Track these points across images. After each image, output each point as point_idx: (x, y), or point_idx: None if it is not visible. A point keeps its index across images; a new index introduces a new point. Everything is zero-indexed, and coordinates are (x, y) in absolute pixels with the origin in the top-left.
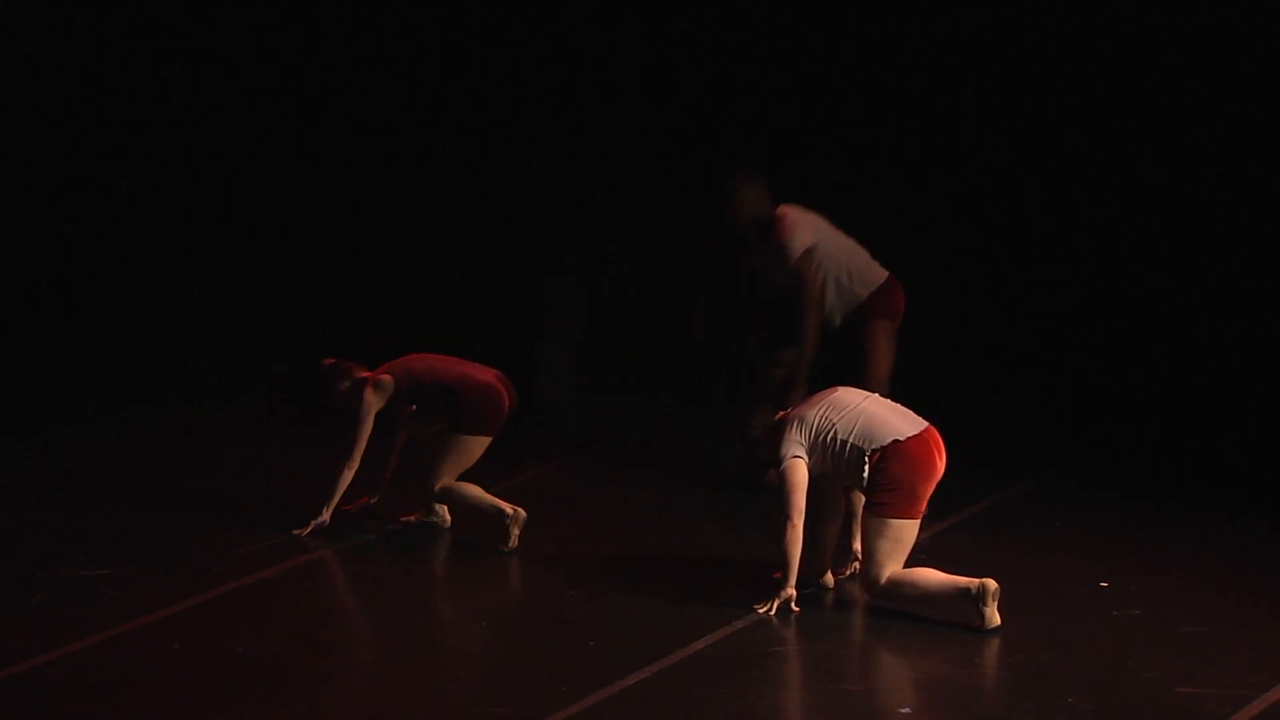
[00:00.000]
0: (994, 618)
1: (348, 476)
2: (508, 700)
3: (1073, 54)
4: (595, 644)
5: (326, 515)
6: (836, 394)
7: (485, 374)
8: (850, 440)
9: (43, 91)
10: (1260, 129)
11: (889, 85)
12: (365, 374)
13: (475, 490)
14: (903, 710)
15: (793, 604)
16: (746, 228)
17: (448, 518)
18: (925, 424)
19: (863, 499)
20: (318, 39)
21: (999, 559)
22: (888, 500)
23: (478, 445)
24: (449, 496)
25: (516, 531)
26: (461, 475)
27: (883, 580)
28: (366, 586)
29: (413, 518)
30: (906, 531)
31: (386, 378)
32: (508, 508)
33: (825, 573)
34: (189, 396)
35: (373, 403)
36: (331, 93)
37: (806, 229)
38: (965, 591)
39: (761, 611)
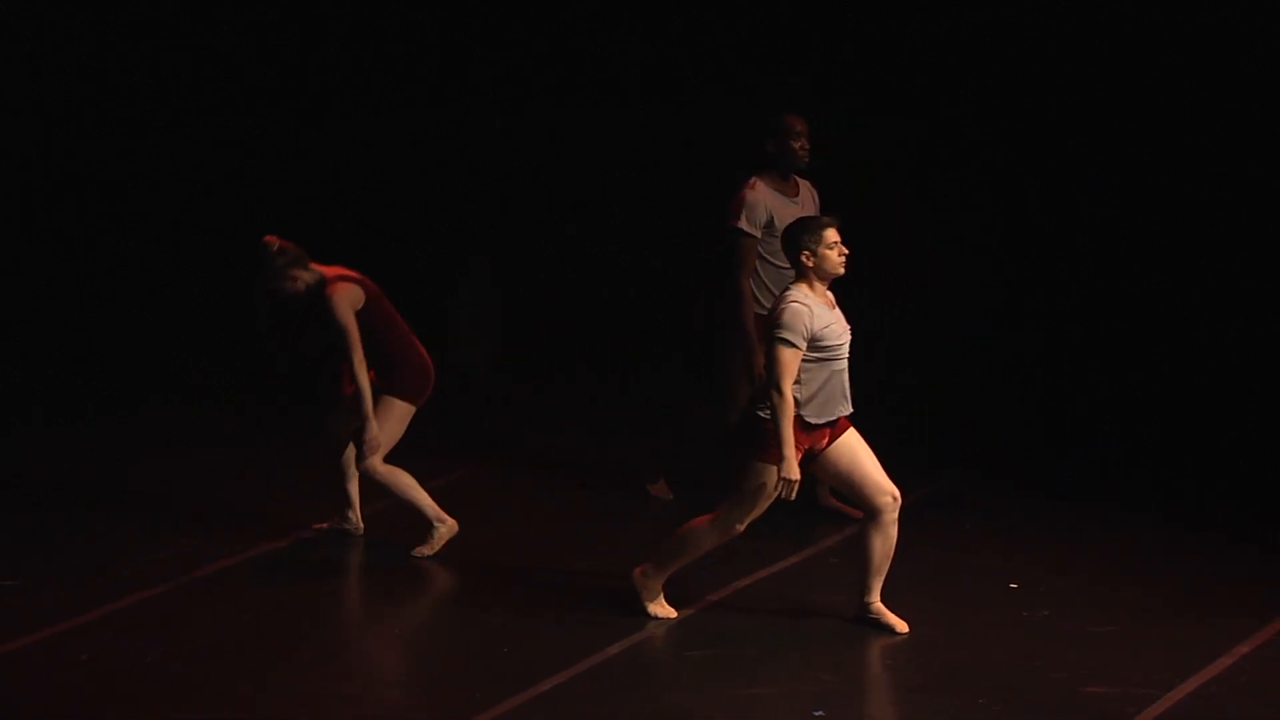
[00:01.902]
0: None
1: (364, 374)
2: (421, 707)
3: (1071, 54)
4: (509, 649)
5: (373, 423)
6: None
7: (417, 343)
8: None
9: (42, 92)
10: (1255, 132)
11: (888, 85)
12: (321, 270)
13: (416, 487)
14: (816, 713)
15: (794, 489)
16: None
17: (360, 524)
18: None
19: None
20: (318, 40)
21: (910, 558)
22: None
23: (407, 413)
24: (392, 481)
25: (441, 544)
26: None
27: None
28: (278, 594)
29: (325, 525)
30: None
31: (357, 289)
32: (446, 518)
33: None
34: (136, 402)
35: (347, 309)
36: (331, 93)
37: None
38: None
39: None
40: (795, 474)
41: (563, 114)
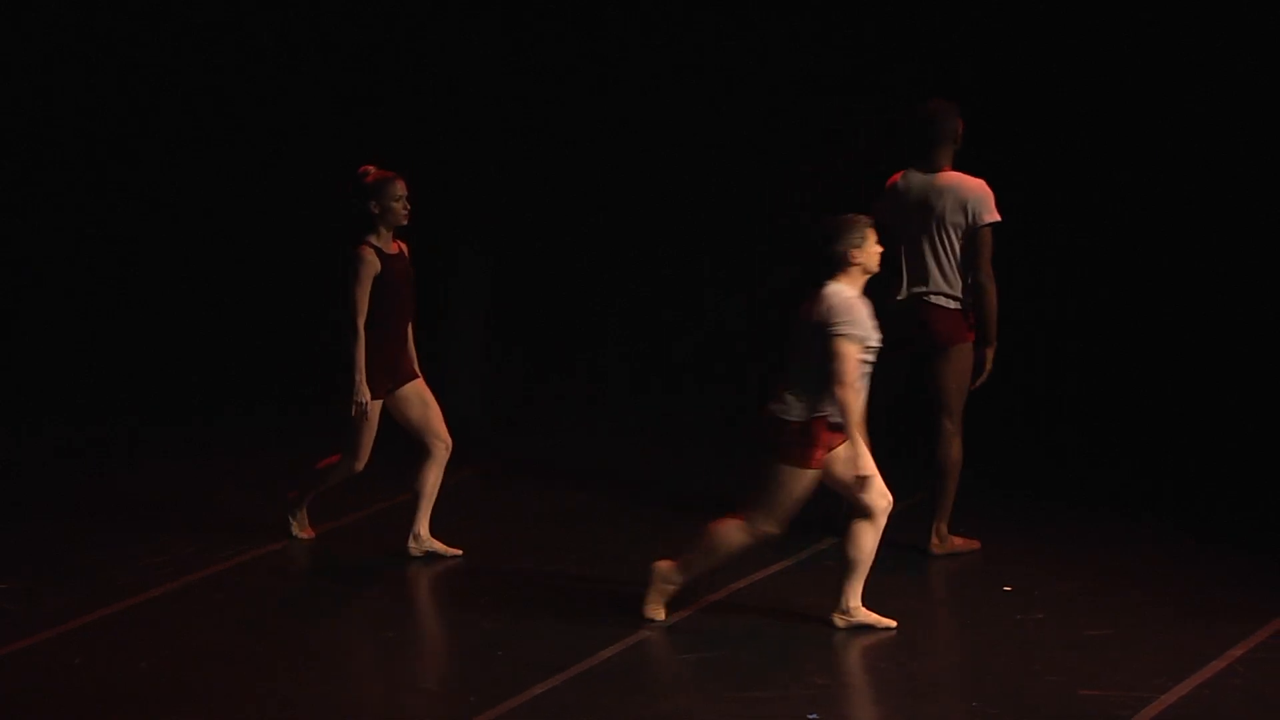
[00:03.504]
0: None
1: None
2: (416, 711)
3: (1066, 53)
4: (503, 653)
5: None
6: None
7: None
8: None
9: (46, 95)
10: (1256, 133)
11: (883, 84)
12: None
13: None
14: (810, 717)
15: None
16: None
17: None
18: None
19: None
20: (325, 46)
21: (904, 561)
22: None
23: None
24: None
25: (424, 550)
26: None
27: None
28: (273, 598)
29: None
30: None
31: None
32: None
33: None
34: (132, 410)
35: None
36: (336, 97)
37: None
38: None
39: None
40: (872, 469)
41: (566, 105)
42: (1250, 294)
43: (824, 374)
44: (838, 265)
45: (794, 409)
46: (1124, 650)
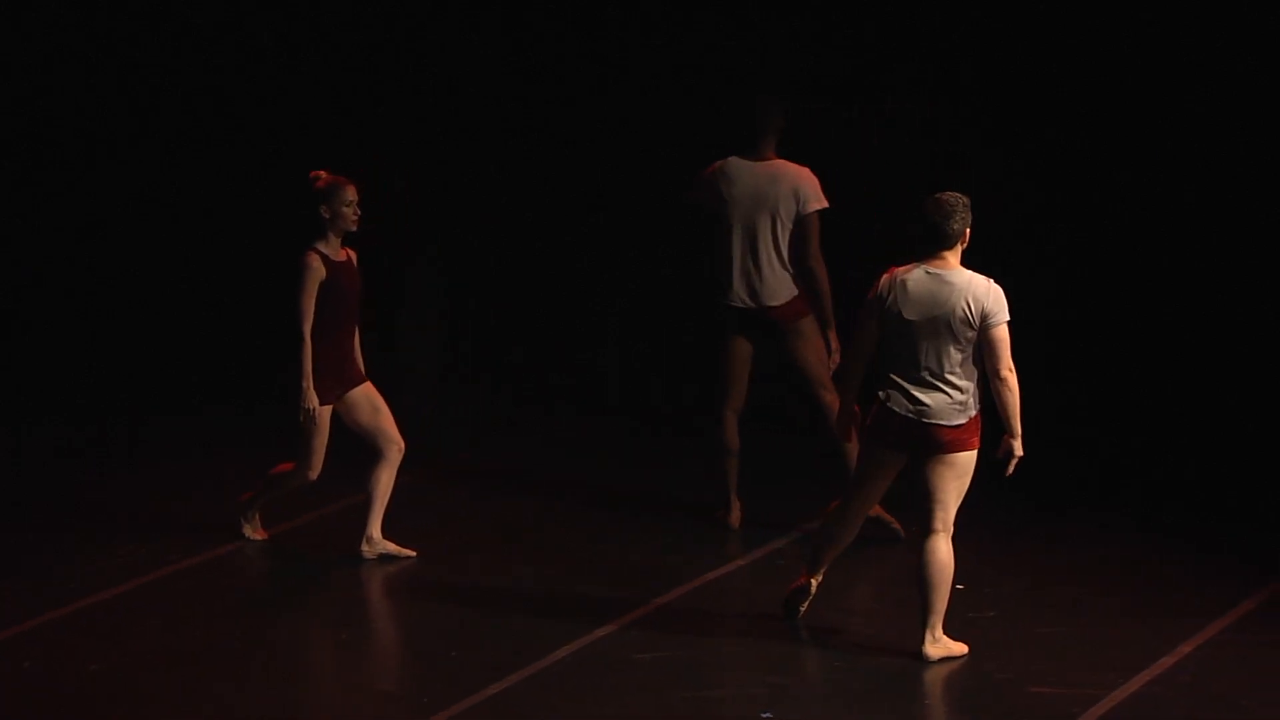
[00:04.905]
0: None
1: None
2: (370, 712)
3: (1066, 53)
4: (457, 654)
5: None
6: None
7: None
8: None
9: (47, 92)
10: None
11: (883, 84)
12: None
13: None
14: (764, 715)
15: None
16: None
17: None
18: None
19: None
20: (325, 46)
21: (857, 560)
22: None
23: None
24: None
25: (377, 552)
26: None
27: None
28: (225, 601)
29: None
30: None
31: None
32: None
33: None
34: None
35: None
36: (331, 96)
37: None
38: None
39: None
40: (1020, 450)
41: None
42: (1250, 294)
43: (977, 363)
44: (949, 243)
45: (949, 407)
46: (1075, 647)
